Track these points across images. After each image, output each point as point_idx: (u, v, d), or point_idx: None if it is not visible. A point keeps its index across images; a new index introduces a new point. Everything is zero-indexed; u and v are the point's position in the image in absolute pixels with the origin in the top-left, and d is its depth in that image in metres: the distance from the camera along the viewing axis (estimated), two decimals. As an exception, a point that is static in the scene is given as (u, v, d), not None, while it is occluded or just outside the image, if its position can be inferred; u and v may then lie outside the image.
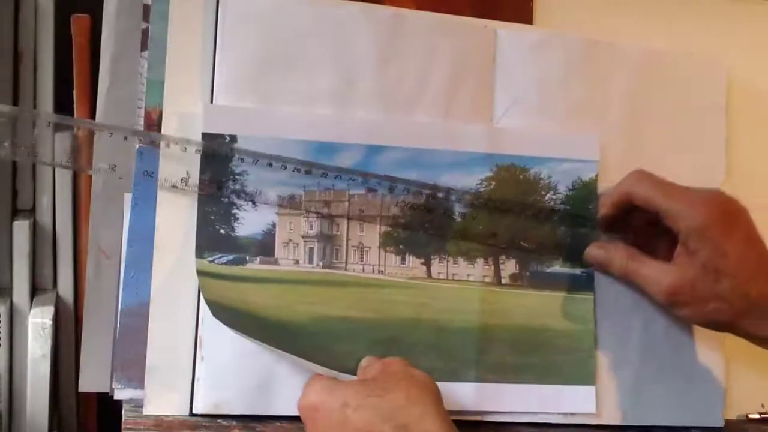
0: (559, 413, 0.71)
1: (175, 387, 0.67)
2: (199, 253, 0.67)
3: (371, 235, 0.70)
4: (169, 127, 0.67)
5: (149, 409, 0.66)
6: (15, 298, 0.75)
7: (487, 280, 0.71)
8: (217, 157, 0.67)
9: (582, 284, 0.73)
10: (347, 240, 0.70)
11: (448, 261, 0.71)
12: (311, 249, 0.69)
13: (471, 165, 0.71)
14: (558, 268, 0.73)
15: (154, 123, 0.68)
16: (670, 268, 0.68)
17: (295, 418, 0.65)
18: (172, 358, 0.67)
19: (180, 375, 0.67)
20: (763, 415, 0.77)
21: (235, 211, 0.68)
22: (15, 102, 0.75)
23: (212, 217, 0.68)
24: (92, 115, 0.73)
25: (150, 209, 0.67)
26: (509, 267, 0.72)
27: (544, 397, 0.71)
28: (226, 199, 0.68)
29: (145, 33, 0.68)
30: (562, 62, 0.74)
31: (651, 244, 0.71)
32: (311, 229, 0.69)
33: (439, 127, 0.71)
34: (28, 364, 0.74)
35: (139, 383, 0.67)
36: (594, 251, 0.72)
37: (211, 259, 0.67)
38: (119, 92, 0.71)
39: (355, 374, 0.66)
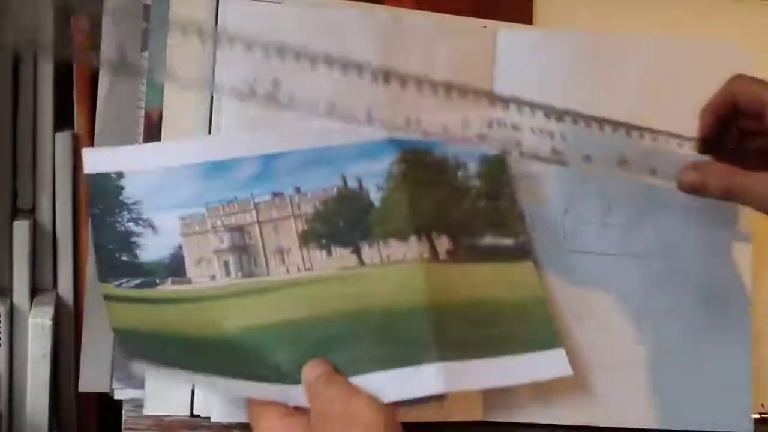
0: (534, 380, 0.68)
1: (175, 387, 0.67)
2: (102, 277, 0.64)
3: (289, 236, 0.67)
4: (169, 128, 0.67)
5: (149, 409, 0.67)
6: (15, 298, 0.75)
7: (425, 256, 0.67)
8: (107, 192, 0.65)
9: (517, 253, 0.70)
10: (263, 246, 0.66)
11: (378, 244, 0.67)
12: (226, 262, 0.66)
13: (376, 152, 0.69)
14: (490, 239, 0.70)
15: (154, 124, 0.68)
16: None
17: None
18: (172, 358, 0.67)
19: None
20: (763, 415, 0.77)
21: (134, 239, 0.65)
22: (15, 102, 0.75)
23: (110, 246, 0.65)
24: (92, 116, 0.73)
25: (150, 209, 0.67)
26: (443, 242, 0.68)
27: (514, 367, 0.66)
28: (123, 228, 0.66)
29: (145, 33, 0.68)
30: (563, 61, 0.74)
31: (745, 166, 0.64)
32: (222, 243, 0.66)
33: (334, 125, 0.68)
34: (28, 364, 0.74)
35: (139, 383, 0.67)
36: (688, 174, 0.64)
37: (117, 283, 0.65)
38: (119, 93, 0.71)
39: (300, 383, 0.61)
